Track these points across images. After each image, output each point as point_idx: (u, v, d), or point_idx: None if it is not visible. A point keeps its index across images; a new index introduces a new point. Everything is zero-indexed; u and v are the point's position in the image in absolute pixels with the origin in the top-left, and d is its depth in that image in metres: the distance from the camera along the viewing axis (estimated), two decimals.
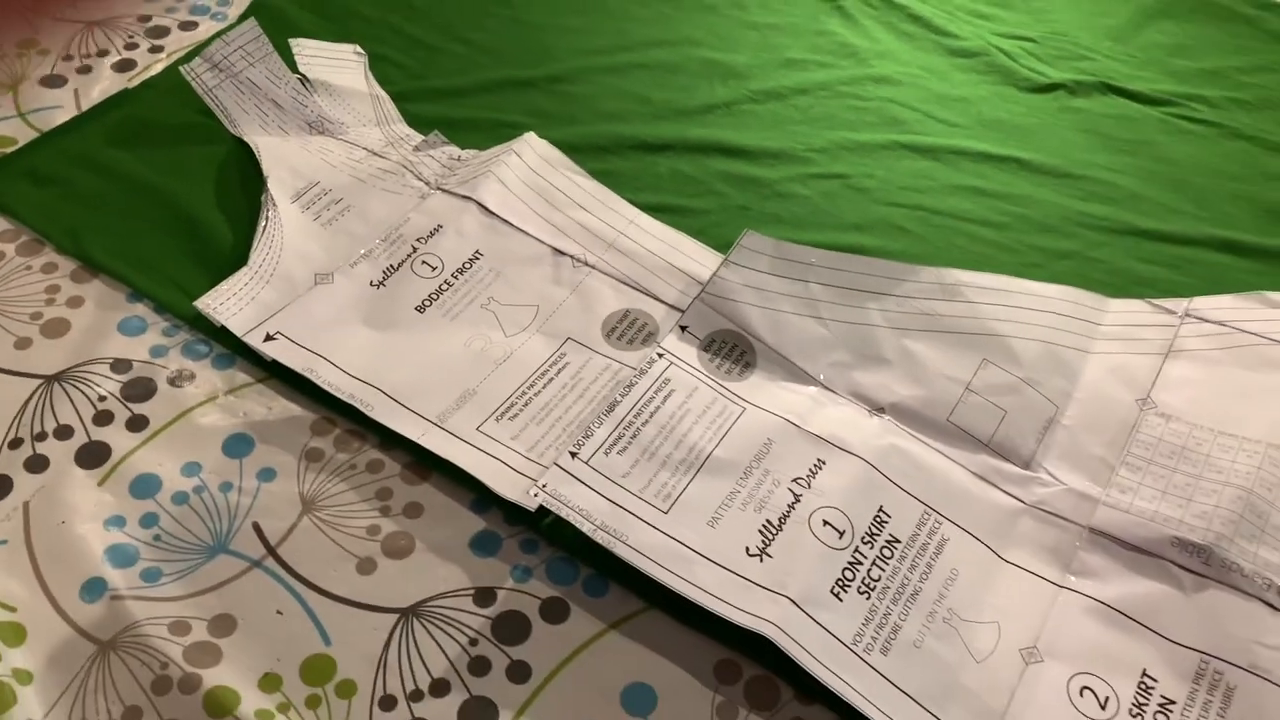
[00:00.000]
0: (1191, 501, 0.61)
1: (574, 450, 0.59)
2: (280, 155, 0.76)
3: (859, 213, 0.77)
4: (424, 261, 0.71)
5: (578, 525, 0.55)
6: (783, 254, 0.69)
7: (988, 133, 0.84)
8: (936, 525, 0.59)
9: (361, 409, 0.62)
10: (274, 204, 0.72)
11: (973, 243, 0.76)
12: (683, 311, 0.68)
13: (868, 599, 0.56)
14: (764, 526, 0.57)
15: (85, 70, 0.84)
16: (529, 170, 0.76)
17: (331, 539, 0.58)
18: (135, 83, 0.83)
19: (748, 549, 0.56)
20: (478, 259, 0.71)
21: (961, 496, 0.61)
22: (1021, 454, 0.63)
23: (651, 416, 0.61)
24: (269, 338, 0.65)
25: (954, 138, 0.83)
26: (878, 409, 0.64)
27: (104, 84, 0.83)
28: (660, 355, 0.64)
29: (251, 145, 0.76)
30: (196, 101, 0.79)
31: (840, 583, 0.56)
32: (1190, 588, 0.57)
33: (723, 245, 0.73)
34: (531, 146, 0.77)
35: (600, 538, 0.55)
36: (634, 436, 0.60)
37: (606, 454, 0.59)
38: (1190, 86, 0.89)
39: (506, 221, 0.73)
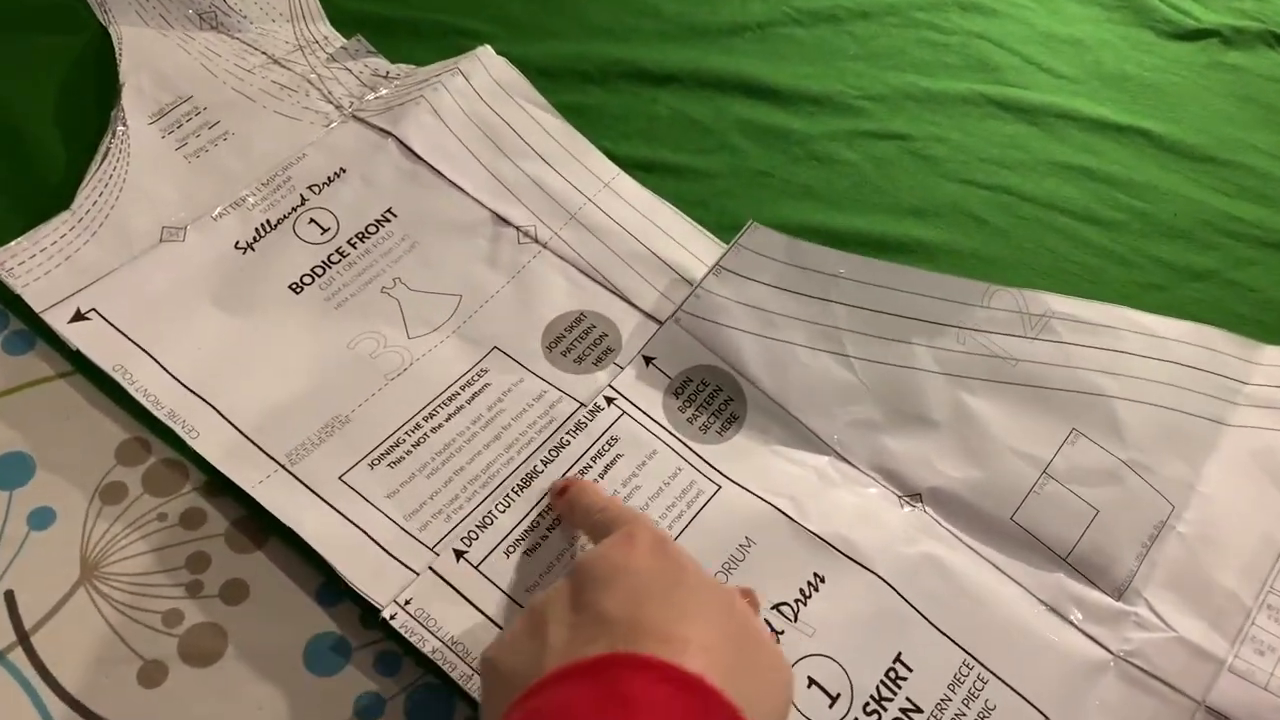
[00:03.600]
0: None
1: (461, 548, 0.40)
2: (148, 55, 0.57)
3: (921, 191, 0.57)
4: (313, 220, 0.52)
5: (445, 668, 0.38)
6: (798, 259, 0.49)
7: (1107, 91, 0.62)
8: (979, 685, 0.41)
9: (182, 434, 0.44)
10: (124, 122, 0.53)
11: (1072, 246, 0.55)
12: (660, 323, 0.49)
13: None
14: None
15: None
16: (476, 99, 0.56)
17: (112, 626, 0.41)
18: None
19: None
20: (388, 221, 0.52)
21: (1020, 639, 0.42)
22: (1114, 576, 0.44)
23: None
24: (79, 316, 0.47)
25: (1060, 94, 0.62)
26: (912, 495, 0.45)
27: None
28: (610, 401, 0.45)
29: (114, 37, 0.57)
30: None
31: None
32: None
33: (728, 226, 0.53)
34: (484, 66, 0.57)
35: (476, 689, 0.37)
36: (552, 527, 0.42)
37: (509, 554, 0.41)
38: None
39: (435, 170, 0.54)
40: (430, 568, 0.40)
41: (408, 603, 0.39)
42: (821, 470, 0.45)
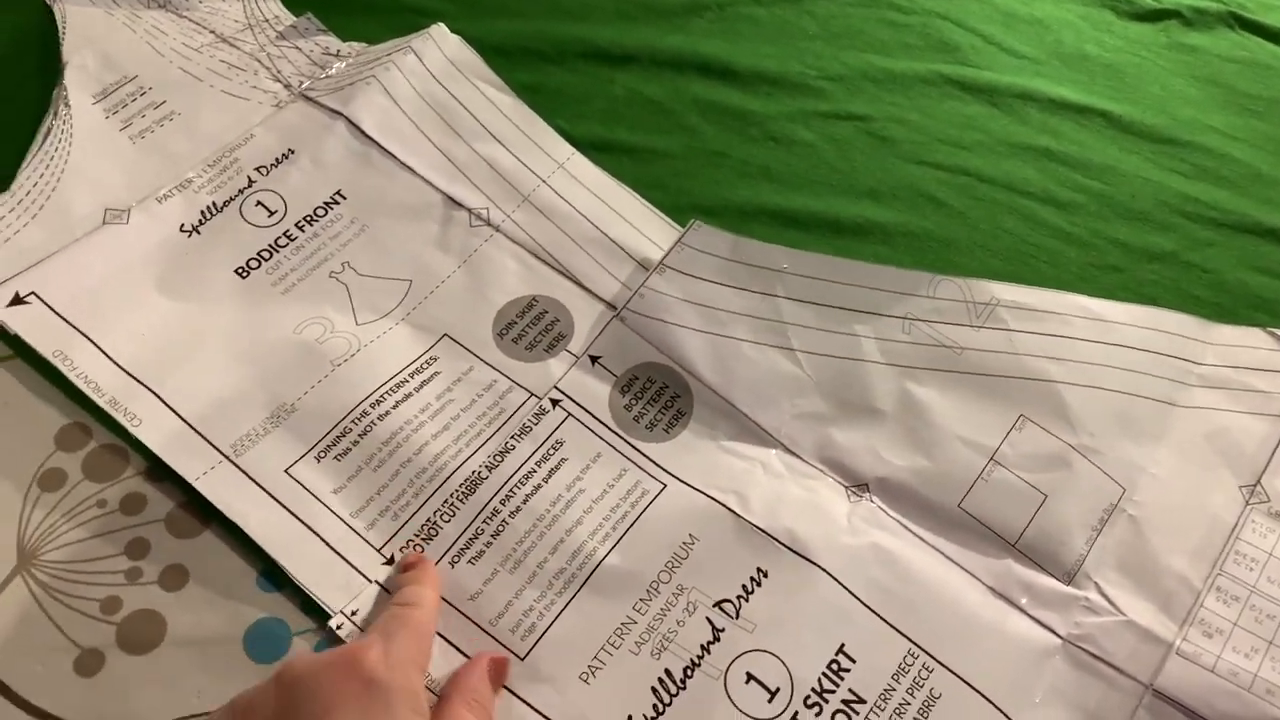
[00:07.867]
0: None
1: None
2: (92, 34, 0.55)
3: (878, 172, 0.56)
4: (260, 202, 0.51)
5: None
6: (742, 255, 0.49)
7: (1068, 72, 0.62)
8: (924, 674, 0.40)
9: (124, 421, 0.43)
10: (67, 103, 0.52)
11: (1029, 228, 0.55)
12: (614, 310, 0.48)
13: None
14: (660, 681, 0.39)
15: None
16: (429, 78, 0.55)
17: (49, 615, 0.40)
18: None
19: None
20: (337, 203, 0.51)
21: (967, 626, 0.42)
22: (1063, 560, 0.44)
23: (526, 502, 0.42)
24: (17, 300, 0.46)
25: (1021, 75, 0.61)
26: (859, 486, 0.45)
27: None
28: (555, 403, 0.45)
29: (58, 15, 0.56)
30: None
31: None
32: None
33: (685, 208, 0.53)
34: (438, 44, 0.56)
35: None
36: (496, 534, 0.41)
37: (454, 564, 0.40)
38: None
39: (386, 152, 0.53)
40: (378, 581, 0.40)
41: (354, 613, 0.39)
42: (768, 463, 0.45)
